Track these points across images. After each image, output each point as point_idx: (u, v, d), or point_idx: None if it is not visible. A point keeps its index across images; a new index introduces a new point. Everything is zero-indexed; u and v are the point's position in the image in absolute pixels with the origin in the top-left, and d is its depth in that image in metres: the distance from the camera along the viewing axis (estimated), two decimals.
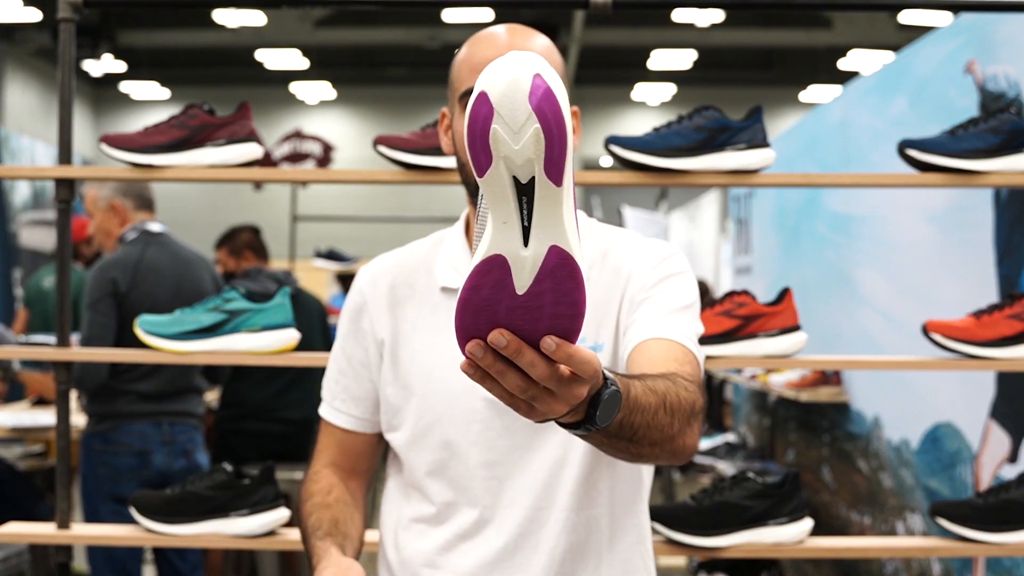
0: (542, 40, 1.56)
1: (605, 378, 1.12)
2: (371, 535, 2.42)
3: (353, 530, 1.59)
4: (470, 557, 1.55)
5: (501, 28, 1.56)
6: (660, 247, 1.63)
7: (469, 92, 1.50)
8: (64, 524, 2.43)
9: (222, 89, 16.66)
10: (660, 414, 1.26)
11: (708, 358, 2.39)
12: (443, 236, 1.67)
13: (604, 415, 1.12)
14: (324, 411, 1.70)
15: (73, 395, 3.40)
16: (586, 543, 1.55)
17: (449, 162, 2.37)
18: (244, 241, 4.80)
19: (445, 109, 1.62)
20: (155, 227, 3.69)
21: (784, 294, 2.49)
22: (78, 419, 3.81)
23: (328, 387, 1.71)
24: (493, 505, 1.55)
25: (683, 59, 15.69)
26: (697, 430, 1.39)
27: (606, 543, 1.56)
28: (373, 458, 1.71)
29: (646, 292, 1.56)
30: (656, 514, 2.31)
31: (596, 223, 1.67)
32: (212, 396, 4.84)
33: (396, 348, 1.61)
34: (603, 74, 17.18)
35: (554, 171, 0.94)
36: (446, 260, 1.61)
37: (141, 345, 2.45)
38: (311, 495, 1.63)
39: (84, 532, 2.58)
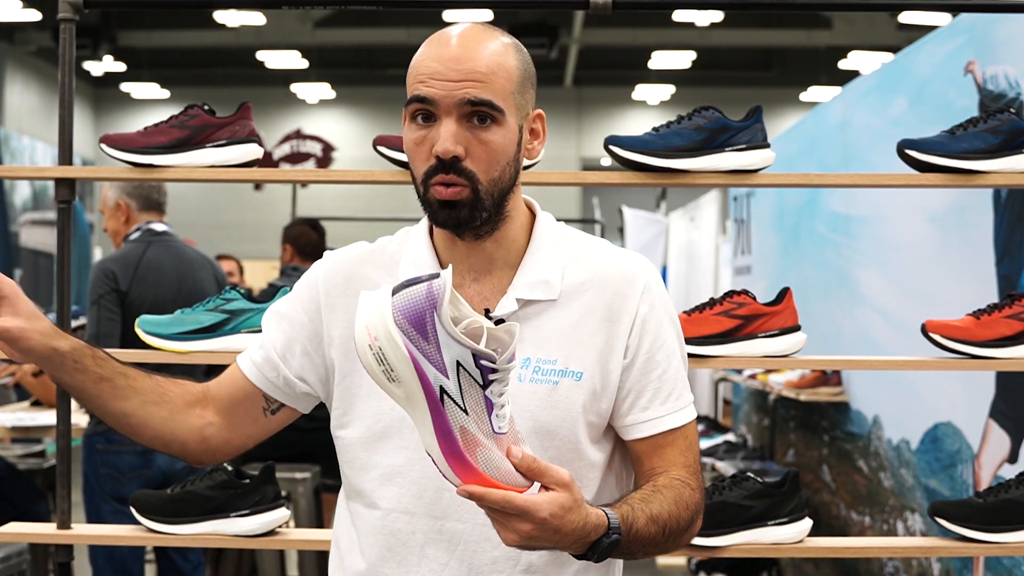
0: (493, 45, 1.47)
1: (609, 528, 1.33)
2: None
3: (139, 381, 1.59)
4: (422, 571, 1.48)
5: (455, 31, 1.50)
6: (633, 266, 1.55)
7: (411, 101, 1.46)
8: (64, 524, 2.43)
9: (222, 89, 16.66)
10: (658, 539, 1.42)
11: (708, 358, 2.39)
12: (409, 233, 1.61)
13: (601, 556, 1.34)
14: (246, 365, 1.63)
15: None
16: (551, 562, 1.48)
17: None
18: (294, 236, 4.87)
19: (406, 108, 1.58)
20: (159, 227, 3.69)
21: (784, 294, 2.49)
22: (79, 419, 3.81)
23: (255, 343, 1.64)
24: (446, 516, 1.47)
25: (683, 59, 15.69)
26: (695, 529, 1.51)
27: (570, 562, 1.49)
28: (250, 425, 1.61)
29: (647, 351, 1.51)
30: None
31: (563, 230, 1.59)
32: None
33: (349, 342, 1.52)
34: (603, 74, 17.17)
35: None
36: (410, 259, 1.55)
37: (142, 345, 2.45)
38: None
39: (84, 532, 2.58)
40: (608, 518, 1.34)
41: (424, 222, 1.60)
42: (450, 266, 1.28)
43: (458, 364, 1.23)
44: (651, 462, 1.52)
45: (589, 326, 1.51)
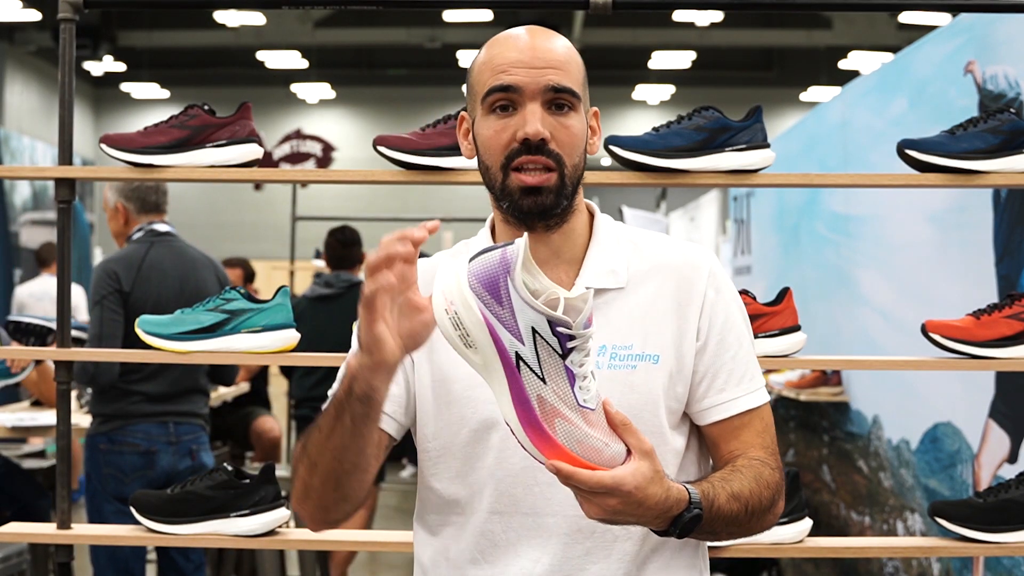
0: (561, 40, 1.54)
1: (691, 502, 1.32)
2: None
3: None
4: (513, 569, 1.48)
5: (521, 29, 1.54)
6: (696, 254, 1.57)
7: (492, 91, 1.48)
8: (64, 524, 2.43)
9: (222, 89, 16.65)
10: (740, 516, 1.41)
11: None
12: (468, 245, 1.61)
13: (683, 531, 1.33)
14: None
15: (74, 394, 3.40)
16: (642, 549, 1.49)
17: (448, 162, 2.36)
18: (325, 244, 5.26)
19: (464, 112, 1.59)
20: (161, 227, 3.69)
21: (784, 294, 2.49)
22: (80, 419, 3.81)
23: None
24: (537, 513, 1.48)
25: (683, 59, 15.69)
26: (778, 510, 1.49)
27: (661, 549, 1.50)
28: (382, 457, 1.57)
29: (719, 333, 1.53)
30: None
31: (621, 227, 1.62)
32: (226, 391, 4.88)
33: (432, 353, 1.52)
34: (603, 74, 17.14)
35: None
36: None
37: (143, 345, 2.45)
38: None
39: (84, 532, 2.58)
40: (689, 493, 1.34)
41: (485, 230, 1.61)
42: (525, 234, 1.27)
43: (534, 331, 1.22)
44: (728, 445, 1.52)
45: (659, 311, 1.52)
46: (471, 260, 1.26)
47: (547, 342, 1.23)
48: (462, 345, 1.25)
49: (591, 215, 1.61)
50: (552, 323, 1.22)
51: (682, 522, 1.32)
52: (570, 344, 1.23)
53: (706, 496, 1.36)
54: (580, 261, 1.55)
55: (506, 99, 1.48)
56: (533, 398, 1.23)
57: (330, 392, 1.53)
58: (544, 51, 1.49)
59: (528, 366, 1.23)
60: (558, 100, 1.48)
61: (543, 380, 1.23)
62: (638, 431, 1.28)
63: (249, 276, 6.87)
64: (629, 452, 1.27)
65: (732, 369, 1.52)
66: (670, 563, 1.51)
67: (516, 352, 1.23)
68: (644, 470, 1.26)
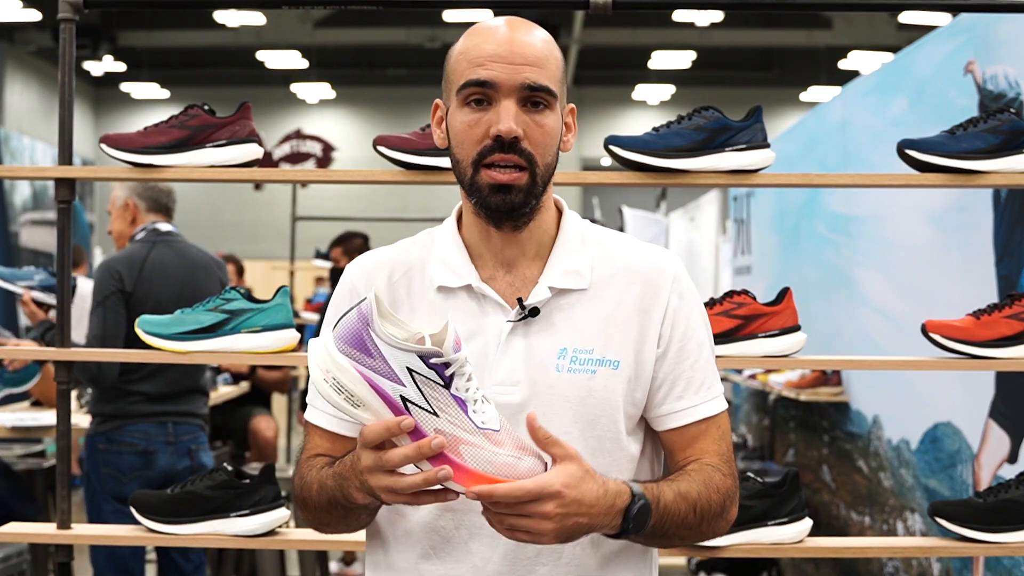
0: (540, 34, 1.52)
1: (633, 494, 1.34)
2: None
3: None
4: (464, 567, 1.48)
5: (500, 20, 1.52)
6: (661, 259, 1.57)
7: (468, 85, 1.47)
8: (64, 524, 2.43)
9: (222, 89, 16.67)
10: (690, 518, 1.43)
11: None
12: (432, 235, 1.61)
13: (637, 525, 1.35)
14: (315, 417, 1.55)
15: (73, 394, 3.40)
16: (592, 555, 1.49)
17: (448, 162, 2.36)
18: (356, 246, 5.60)
19: (439, 100, 1.57)
20: (164, 227, 3.69)
21: (784, 294, 2.49)
22: (80, 419, 3.81)
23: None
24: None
25: (683, 59, 15.70)
26: (730, 516, 1.51)
27: (611, 555, 1.50)
28: None
29: (679, 340, 1.52)
30: None
31: (588, 226, 1.61)
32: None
33: None
34: (603, 74, 17.17)
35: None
36: (440, 259, 1.54)
37: (145, 345, 2.45)
38: (311, 469, 1.51)
39: (84, 532, 2.58)
40: (630, 487, 1.35)
41: (451, 219, 1.59)
42: (374, 289, 1.30)
43: (409, 370, 1.26)
44: (684, 452, 1.53)
45: (622, 316, 1.52)
46: (333, 328, 1.30)
47: (426, 376, 1.26)
48: (350, 407, 1.27)
49: (559, 212, 1.59)
50: (423, 357, 1.25)
51: (631, 515, 1.33)
52: (448, 371, 1.26)
53: (650, 491, 1.37)
54: (546, 259, 1.54)
55: (481, 94, 1.46)
56: (431, 433, 1.26)
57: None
58: (522, 46, 1.47)
59: (416, 405, 1.26)
60: (534, 98, 1.46)
61: (435, 414, 1.26)
62: (560, 441, 1.29)
63: (239, 271, 7.04)
64: (555, 463, 1.29)
65: (691, 377, 1.53)
66: (619, 571, 1.51)
67: (400, 395, 1.26)
68: (571, 470, 1.28)
